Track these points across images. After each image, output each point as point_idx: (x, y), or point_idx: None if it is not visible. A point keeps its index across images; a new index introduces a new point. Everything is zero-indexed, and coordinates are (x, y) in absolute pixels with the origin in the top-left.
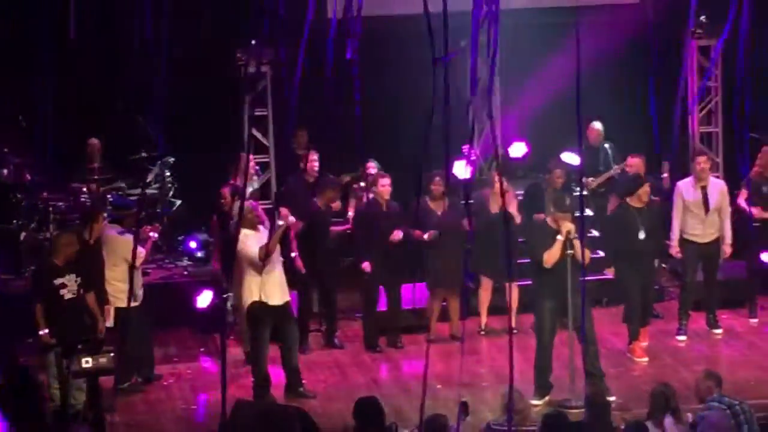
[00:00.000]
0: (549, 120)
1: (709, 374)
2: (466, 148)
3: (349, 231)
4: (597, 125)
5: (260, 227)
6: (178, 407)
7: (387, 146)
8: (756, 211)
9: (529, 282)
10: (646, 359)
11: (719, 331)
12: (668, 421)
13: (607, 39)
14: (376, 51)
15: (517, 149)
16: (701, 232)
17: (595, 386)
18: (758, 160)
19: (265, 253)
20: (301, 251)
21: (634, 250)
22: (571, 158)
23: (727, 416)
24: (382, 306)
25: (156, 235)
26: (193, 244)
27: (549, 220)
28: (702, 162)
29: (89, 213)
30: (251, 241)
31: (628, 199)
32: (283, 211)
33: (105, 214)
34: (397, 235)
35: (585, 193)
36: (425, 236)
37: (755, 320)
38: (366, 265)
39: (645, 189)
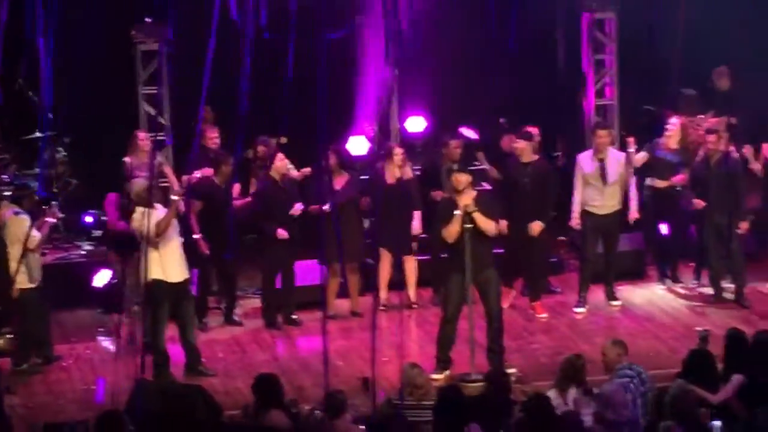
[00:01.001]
0: (449, 96)
1: (616, 342)
2: (363, 123)
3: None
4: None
5: (157, 205)
6: (78, 388)
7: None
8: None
9: (429, 256)
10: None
11: (617, 302)
12: (573, 392)
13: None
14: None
15: (415, 124)
16: (600, 203)
17: (490, 361)
18: (668, 132)
19: (162, 229)
20: (202, 230)
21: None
22: (469, 133)
23: (623, 389)
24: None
25: (53, 220)
26: (89, 219)
27: (451, 195)
28: (603, 135)
29: None
30: (148, 218)
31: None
32: (176, 185)
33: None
34: (298, 208)
35: (484, 166)
36: (325, 207)
37: (675, 285)
38: (281, 232)
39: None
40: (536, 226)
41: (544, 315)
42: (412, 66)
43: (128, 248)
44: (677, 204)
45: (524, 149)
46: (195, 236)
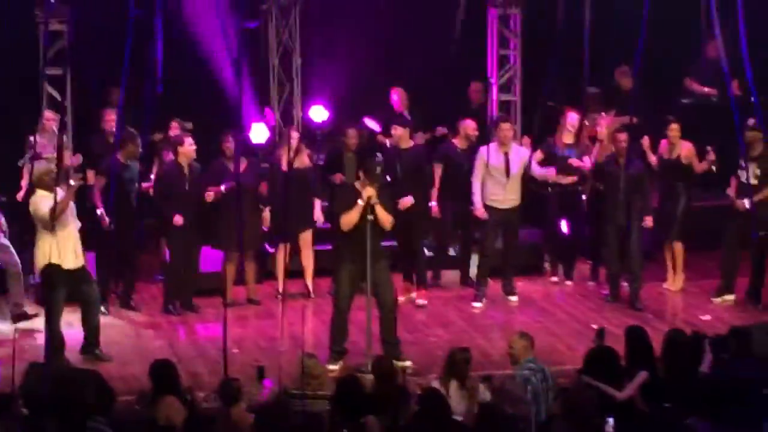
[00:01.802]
0: (353, 87)
1: (523, 334)
2: (266, 111)
3: (151, 191)
4: (399, 92)
5: (58, 189)
6: None
7: (193, 106)
8: (551, 175)
9: (326, 246)
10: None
11: (515, 297)
12: (452, 386)
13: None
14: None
15: (317, 113)
16: (502, 197)
17: (385, 353)
18: (569, 127)
19: (58, 213)
20: (105, 208)
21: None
22: (372, 124)
23: (524, 384)
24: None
25: None
26: None
27: (358, 184)
28: (505, 129)
29: None
30: (46, 202)
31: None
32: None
33: None
34: (209, 195)
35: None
36: (222, 187)
37: (569, 282)
38: (178, 219)
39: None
40: (406, 201)
41: (424, 302)
42: (316, 54)
43: None
44: (578, 201)
45: (401, 136)
46: (98, 210)
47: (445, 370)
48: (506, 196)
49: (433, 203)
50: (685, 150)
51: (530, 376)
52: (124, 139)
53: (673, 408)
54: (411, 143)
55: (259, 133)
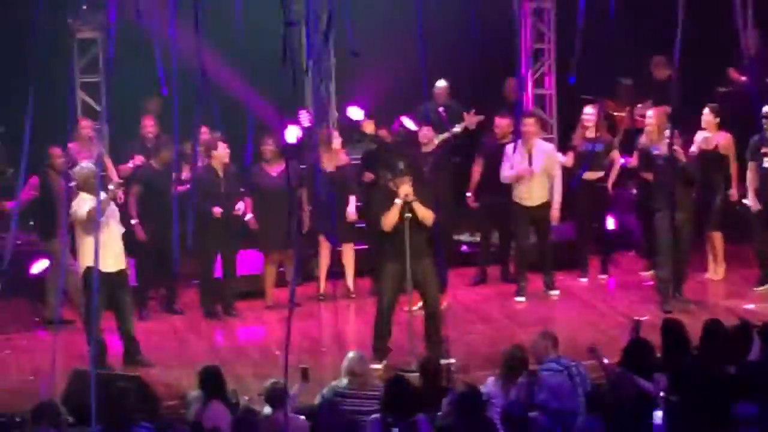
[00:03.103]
0: (393, 88)
1: (545, 334)
2: (302, 112)
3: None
4: (440, 84)
5: (103, 193)
6: (14, 379)
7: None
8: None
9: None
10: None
11: (555, 292)
12: (522, 381)
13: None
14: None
15: (354, 113)
16: (528, 195)
17: (430, 351)
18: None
19: (93, 216)
20: (141, 216)
21: None
22: (409, 123)
23: (565, 379)
24: (219, 272)
25: None
26: None
27: (391, 184)
28: (528, 124)
29: None
30: (87, 205)
31: None
32: (115, 177)
33: None
34: (240, 208)
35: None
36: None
37: (585, 279)
38: (216, 210)
39: None
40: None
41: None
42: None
43: None
44: (606, 196)
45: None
46: (132, 221)
47: (503, 368)
48: (532, 193)
49: (469, 194)
50: (722, 140)
51: (550, 376)
52: (156, 147)
53: (714, 396)
54: (436, 142)
55: (290, 134)
